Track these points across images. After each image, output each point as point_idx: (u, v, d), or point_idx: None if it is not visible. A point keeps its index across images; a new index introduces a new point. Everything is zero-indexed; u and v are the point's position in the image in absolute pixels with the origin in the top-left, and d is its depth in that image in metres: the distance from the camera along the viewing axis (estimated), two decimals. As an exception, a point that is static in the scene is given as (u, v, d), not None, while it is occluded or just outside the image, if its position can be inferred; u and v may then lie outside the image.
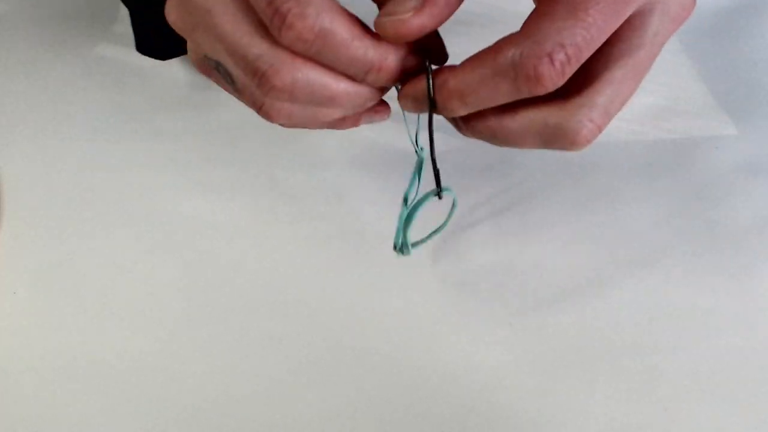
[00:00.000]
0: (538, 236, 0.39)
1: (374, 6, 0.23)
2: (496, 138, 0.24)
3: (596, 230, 0.39)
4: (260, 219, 0.40)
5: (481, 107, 0.22)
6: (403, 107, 0.24)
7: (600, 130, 0.23)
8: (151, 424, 0.33)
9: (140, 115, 0.46)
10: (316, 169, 0.43)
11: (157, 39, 0.47)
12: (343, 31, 0.20)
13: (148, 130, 0.45)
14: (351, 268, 0.38)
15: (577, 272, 0.38)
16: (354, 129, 0.28)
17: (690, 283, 0.37)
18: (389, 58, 0.22)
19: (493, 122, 0.23)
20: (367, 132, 0.30)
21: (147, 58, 0.49)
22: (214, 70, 0.24)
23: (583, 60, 0.21)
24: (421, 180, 0.27)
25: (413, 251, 0.28)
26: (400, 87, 0.24)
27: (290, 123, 0.23)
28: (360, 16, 0.22)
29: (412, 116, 0.26)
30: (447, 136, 0.45)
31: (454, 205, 0.29)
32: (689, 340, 0.35)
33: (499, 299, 0.37)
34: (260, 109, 0.23)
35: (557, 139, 0.22)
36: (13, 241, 0.39)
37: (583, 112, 0.22)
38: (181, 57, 0.50)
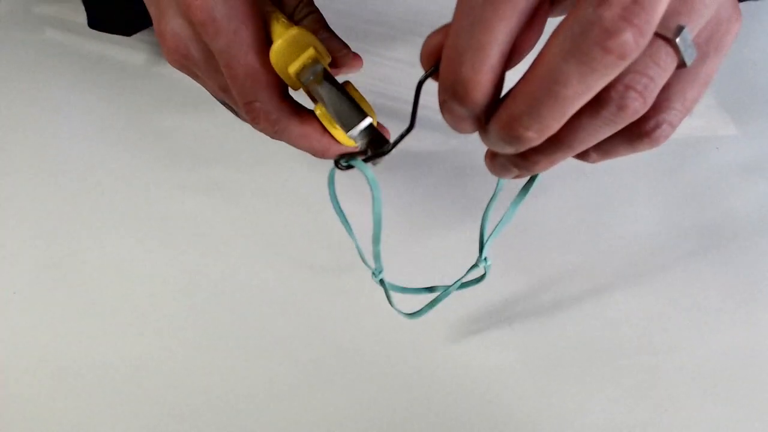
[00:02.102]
0: (537, 236, 0.39)
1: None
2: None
3: (596, 230, 0.39)
4: (260, 219, 0.40)
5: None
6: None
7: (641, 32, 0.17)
8: (150, 424, 0.33)
9: (140, 115, 0.46)
10: (317, 168, 0.42)
11: (112, 12, 0.45)
12: (294, 129, 0.28)
13: (147, 130, 0.45)
14: (351, 269, 0.38)
15: (577, 272, 0.38)
16: None
17: (690, 283, 0.37)
18: (330, 150, 0.28)
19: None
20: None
21: (146, 58, 0.49)
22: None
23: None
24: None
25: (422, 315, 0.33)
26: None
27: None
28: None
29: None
30: (446, 136, 0.45)
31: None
32: (689, 340, 0.35)
33: (499, 300, 0.37)
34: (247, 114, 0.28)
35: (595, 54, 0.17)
36: (13, 241, 0.39)
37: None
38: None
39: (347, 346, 0.35)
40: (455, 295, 0.37)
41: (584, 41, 0.17)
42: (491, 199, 0.28)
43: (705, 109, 0.46)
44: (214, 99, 0.48)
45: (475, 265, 0.30)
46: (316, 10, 0.30)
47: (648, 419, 0.32)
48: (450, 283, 0.32)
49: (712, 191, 0.41)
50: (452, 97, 0.20)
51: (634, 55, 0.17)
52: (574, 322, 0.36)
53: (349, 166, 0.26)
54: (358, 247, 0.30)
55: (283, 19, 0.28)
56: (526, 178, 0.27)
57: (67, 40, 0.52)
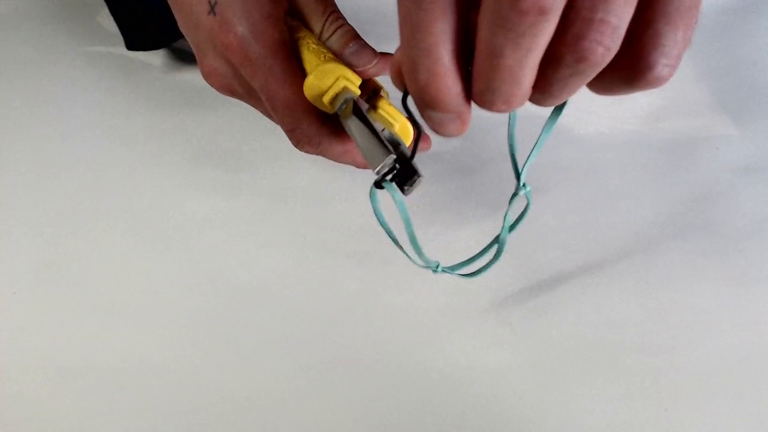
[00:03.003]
0: (537, 236, 0.39)
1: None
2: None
3: (596, 230, 0.39)
4: (261, 219, 0.40)
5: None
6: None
7: None
8: (151, 424, 0.33)
9: (140, 115, 0.46)
10: (318, 168, 0.42)
11: (142, 30, 0.46)
12: (336, 148, 0.30)
13: (148, 130, 0.45)
14: (352, 269, 0.38)
15: (577, 272, 0.38)
16: None
17: (690, 283, 0.37)
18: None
19: None
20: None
21: (148, 58, 0.49)
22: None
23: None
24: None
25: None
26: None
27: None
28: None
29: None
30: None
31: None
32: (689, 340, 0.35)
33: (499, 299, 0.37)
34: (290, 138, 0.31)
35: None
36: (13, 241, 0.39)
37: None
38: (184, 58, 0.50)
39: (348, 347, 0.35)
40: (455, 295, 0.37)
41: (500, 10, 0.17)
42: (509, 124, 0.27)
43: (705, 109, 0.46)
44: (217, 99, 0.48)
45: (515, 194, 0.29)
46: (344, 24, 0.31)
47: (648, 419, 0.32)
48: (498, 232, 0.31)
49: (712, 191, 0.41)
50: (426, 106, 0.20)
51: (556, 6, 0.17)
52: (574, 322, 0.36)
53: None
54: (407, 255, 0.30)
55: (313, 45, 0.30)
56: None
57: (68, 40, 0.52)
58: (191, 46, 0.32)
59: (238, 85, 0.31)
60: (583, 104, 0.45)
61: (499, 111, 0.20)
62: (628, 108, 0.45)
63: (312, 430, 0.33)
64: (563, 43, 0.18)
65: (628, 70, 0.19)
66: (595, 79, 0.20)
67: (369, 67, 0.30)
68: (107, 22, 0.51)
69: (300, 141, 0.30)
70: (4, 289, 0.37)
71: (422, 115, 0.21)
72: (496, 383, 0.34)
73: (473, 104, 0.21)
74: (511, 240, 0.39)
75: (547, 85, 0.20)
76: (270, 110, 0.30)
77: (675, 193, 0.41)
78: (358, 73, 0.29)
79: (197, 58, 0.32)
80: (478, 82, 0.19)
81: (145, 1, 0.44)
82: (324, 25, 0.30)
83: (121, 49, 0.49)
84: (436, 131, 0.21)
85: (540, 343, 0.35)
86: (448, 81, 0.19)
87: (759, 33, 0.50)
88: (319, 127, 0.30)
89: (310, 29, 0.31)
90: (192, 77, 0.48)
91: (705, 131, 0.45)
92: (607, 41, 0.18)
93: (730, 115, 0.45)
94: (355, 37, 0.30)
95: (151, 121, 0.46)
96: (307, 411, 0.33)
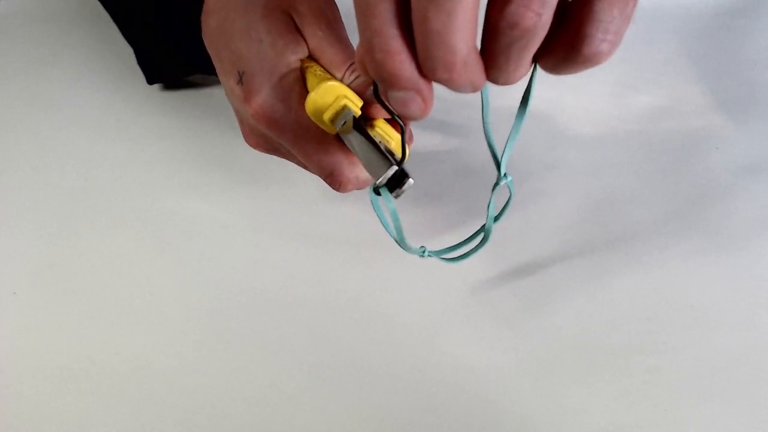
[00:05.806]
0: (537, 236, 0.39)
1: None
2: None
3: (596, 230, 0.39)
4: (261, 219, 0.40)
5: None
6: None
7: None
8: (150, 425, 0.33)
9: (140, 115, 0.46)
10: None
11: (163, 64, 0.46)
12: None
13: (148, 130, 0.45)
14: (351, 269, 0.38)
15: (577, 272, 0.38)
16: None
17: (690, 282, 0.37)
18: None
19: None
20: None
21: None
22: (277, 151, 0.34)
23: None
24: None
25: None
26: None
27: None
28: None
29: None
30: (447, 136, 0.45)
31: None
32: (689, 340, 0.35)
33: (499, 299, 0.37)
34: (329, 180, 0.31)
35: None
36: (13, 241, 0.39)
37: None
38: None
39: (346, 347, 0.35)
40: (455, 295, 0.37)
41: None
42: (483, 111, 0.27)
43: (705, 109, 0.46)
44: (217, 102, 0.49)
45: (497, 184, 0.29)
46: (360, 76, 0.31)
47: (648, 419, 0.32)
48: (483, 223, 0.32)
49: (712, 191, 0.41)
50: (386, 85, 0.21)
51: None
52: (574, 322, 0.36)
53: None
54: (401, 244, 0.30)
55: (319, 71, 0.30)
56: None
57: (68, 40, 0.52)
58: (233, 109, 0.34)
59: (274, 142, 0.33)
60: (583, 104, 0.45)
61: (445, 81, 0.20)
62: (628, 108, 0.45)
63: (311, 430, 0.33)
64: (496, 9, 0.19)
65: (568, 45, 0.21)
66: (541, 57, 0.22)
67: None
68: (107, 22, 0.51)
69: (342, 182, 0.30)
70: (4, 289, 0.37)
71: (387, 100, 0.22)
72: (496, 383, 0.34)
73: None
74: (509, 239, 0.39)
75: (492, 57, 0.21)
76: (304, 160, 0.31)
77: (675, 193, 0.41)
78: (371, 111, 0.30)
79: (238, 122, 0.35)
80: (419, 52, 0.20)
81: (166, 39, 0.45)
82: (344, 74, 0.31)
83: (122, 49, 0.49)
84: (402, 113, 0.22)
85: (539, 344, 0.35)
86: (401, 56, 0.20)
87: (759, 33, 0.50)
88: (352, 165, 0.30)
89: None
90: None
91: (705, 131, 0.45)
92: (536, 6, 0.19)
93: (730, 115, 0.45)
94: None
95: (151, 123, 0.46)
96: (306, 411, 0.33)
